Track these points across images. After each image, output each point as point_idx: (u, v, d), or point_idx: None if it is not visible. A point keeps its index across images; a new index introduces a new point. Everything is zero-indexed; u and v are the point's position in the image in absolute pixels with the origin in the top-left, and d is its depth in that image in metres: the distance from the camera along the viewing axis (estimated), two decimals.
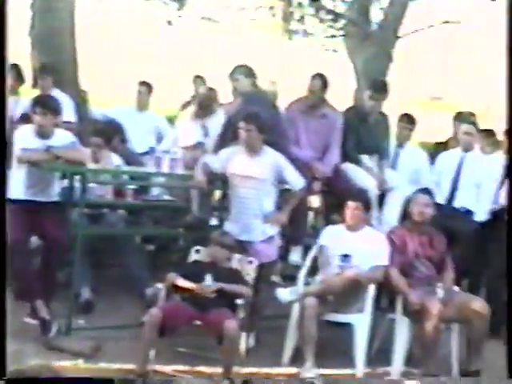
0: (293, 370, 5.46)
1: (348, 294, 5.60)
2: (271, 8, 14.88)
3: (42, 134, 5.68)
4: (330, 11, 13.50)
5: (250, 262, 5.74)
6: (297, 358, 5.54)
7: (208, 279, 5.33)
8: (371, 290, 5.65)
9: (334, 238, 5.88)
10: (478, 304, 5.62)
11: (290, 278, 6.31)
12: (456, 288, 5.92)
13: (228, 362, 5.11)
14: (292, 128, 6.57)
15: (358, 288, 5.64)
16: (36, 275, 5.66)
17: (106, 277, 6.53)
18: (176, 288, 5.43)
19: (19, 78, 7.40)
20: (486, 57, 22.86)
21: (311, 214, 7.33)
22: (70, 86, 8.31)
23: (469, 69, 25.19)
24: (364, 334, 5.59)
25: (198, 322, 5.24)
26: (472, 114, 8.24)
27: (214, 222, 6.44)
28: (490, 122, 9.47)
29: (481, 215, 6.87)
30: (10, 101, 6.16)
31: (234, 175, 5.76)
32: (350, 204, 5.83)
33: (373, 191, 6.48)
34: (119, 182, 6.85)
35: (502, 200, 6.80)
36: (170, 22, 14.24)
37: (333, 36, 14.22)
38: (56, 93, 7.21)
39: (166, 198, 6.92)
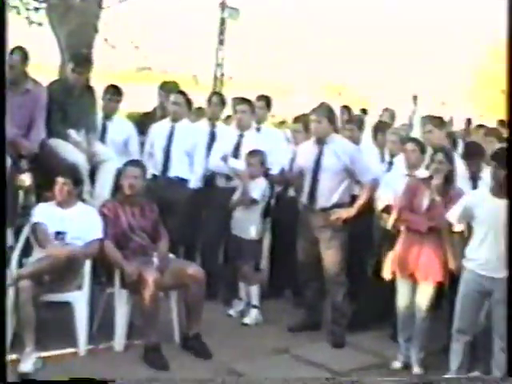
0: (13, 356, 5.17)
1: (65, 272, 5.46)
2: None
3: None
4: None
5: None
6: (16, 344, 5.29)
7: None
8: (87, 265, 5.57)
9: (46, 216, 5.69)
10: (193, 269, 5.77)
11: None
12: (172, 255, 6.01)
13: None
14: None
15: (74, 265, 5.52)
16: None
17: None
18: None
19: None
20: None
21: (21, 194, 7.01)
22: None
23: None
24: (83, 311, 5.52)
25: None
26: (176, 84, 8.38)
27: None
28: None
29: (194, 183, 7.05)
30: None
31: None
32: (59, 180, 5.68)
33: (82, 166, 6.34)
34: None
35: (211, 166, 7.03)
36: None
37: (36, 9, 13.72)
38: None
39: None
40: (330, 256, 6.09)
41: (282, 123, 10.53)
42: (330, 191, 6.10)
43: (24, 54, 6.40)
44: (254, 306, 6.51)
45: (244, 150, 6.80)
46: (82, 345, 5.48)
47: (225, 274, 6.93)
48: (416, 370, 5.66)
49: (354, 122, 7.33)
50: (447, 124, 8.98)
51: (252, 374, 5.37)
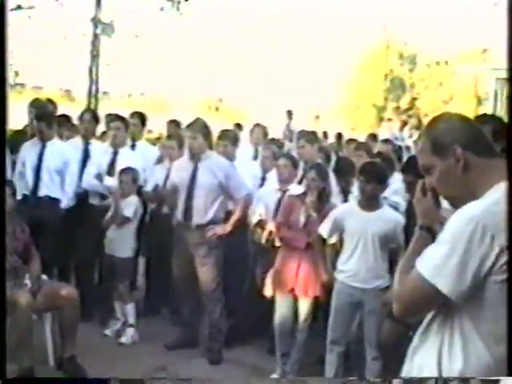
0: None
1: None
2: None
3: None
4: None
5: None
6: None
7: None
8: None
9: None
10: (67, 290, 5.66)
11: None
12: (45, 276, 5.86)
13: None
14: None
15: None
16: None
17: None
18: None
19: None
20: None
21: None
22: None
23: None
24: None
25: None
26: (50, 100, 8.23)
27: None
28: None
29: (66, 202, 6.93)
30: None
31: None
32: None
33: None
34: None
35: (85, 184, 6.94)
36: None
37: None
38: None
39: None
40: (206, 272, 6.11)
41: (158, 139, 10.47)
42: (205, 208, 6.11)
43: None
44: (131, 325, 6.43)
45: (119, 168, 6.74)
46: None
47: (100, 293, 6.82)
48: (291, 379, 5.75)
49: (228, 137, 7.36)
50: (320, 139, 9.20)
51: None
